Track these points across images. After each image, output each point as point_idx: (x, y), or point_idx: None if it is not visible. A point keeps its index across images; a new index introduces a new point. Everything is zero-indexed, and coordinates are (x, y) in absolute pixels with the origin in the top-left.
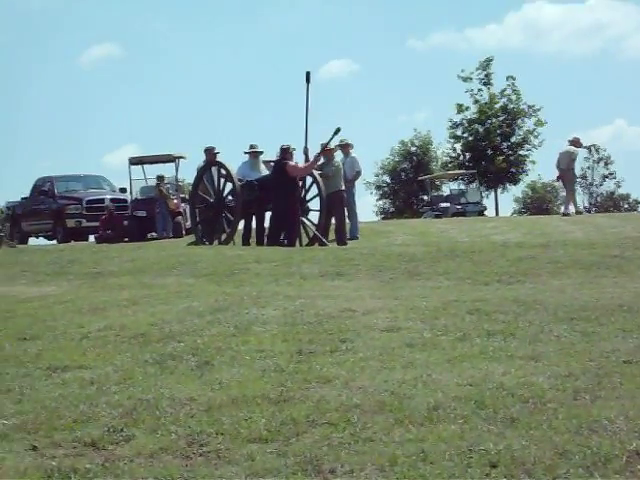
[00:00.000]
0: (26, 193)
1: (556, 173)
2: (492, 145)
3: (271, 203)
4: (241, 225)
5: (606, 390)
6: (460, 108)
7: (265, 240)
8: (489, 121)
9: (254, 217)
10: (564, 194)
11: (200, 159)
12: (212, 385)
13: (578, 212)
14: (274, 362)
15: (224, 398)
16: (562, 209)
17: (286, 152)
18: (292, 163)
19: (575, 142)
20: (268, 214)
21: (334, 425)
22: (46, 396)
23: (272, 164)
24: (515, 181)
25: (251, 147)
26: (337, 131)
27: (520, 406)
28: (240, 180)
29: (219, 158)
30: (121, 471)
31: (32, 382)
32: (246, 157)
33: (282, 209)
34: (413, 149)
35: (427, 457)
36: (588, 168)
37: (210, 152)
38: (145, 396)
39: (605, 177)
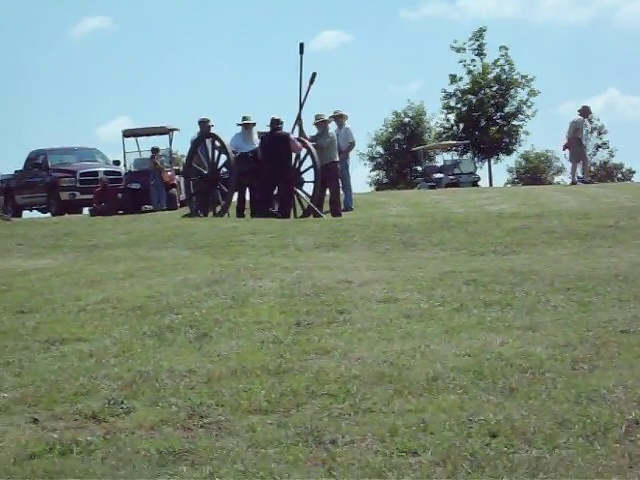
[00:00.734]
0: (20, 166)
1: (564, 142)
2: (485, 115)
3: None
4: (235, 197)
5: (604, 360)
6: (453, 79)
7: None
8: (482, 91)
9: (248, 189)
10: (559, 164)
11: (194, 131)
12: (211, 357)
13: (573, 182)
14: (272, 334)
15: (223, 370)
16: (581, 176)
17: (277, 123)
18: (293, 137)
19: (583, 111)
20: None
21: (334, 396)
22: (45, 369)
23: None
24: (508, 151)
25: (244, 119)
26: (313, 76)
27: (519, 376)
28: (234, 152)
29: (213, 130)
30: (122, 443)
31: (31, 355)
32: (239, 129)
33: (275, 179)
34: (406, 120)
35: (427, 427)
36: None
37: (204, 124)
38: (144, 368)
39: (598, 147)
